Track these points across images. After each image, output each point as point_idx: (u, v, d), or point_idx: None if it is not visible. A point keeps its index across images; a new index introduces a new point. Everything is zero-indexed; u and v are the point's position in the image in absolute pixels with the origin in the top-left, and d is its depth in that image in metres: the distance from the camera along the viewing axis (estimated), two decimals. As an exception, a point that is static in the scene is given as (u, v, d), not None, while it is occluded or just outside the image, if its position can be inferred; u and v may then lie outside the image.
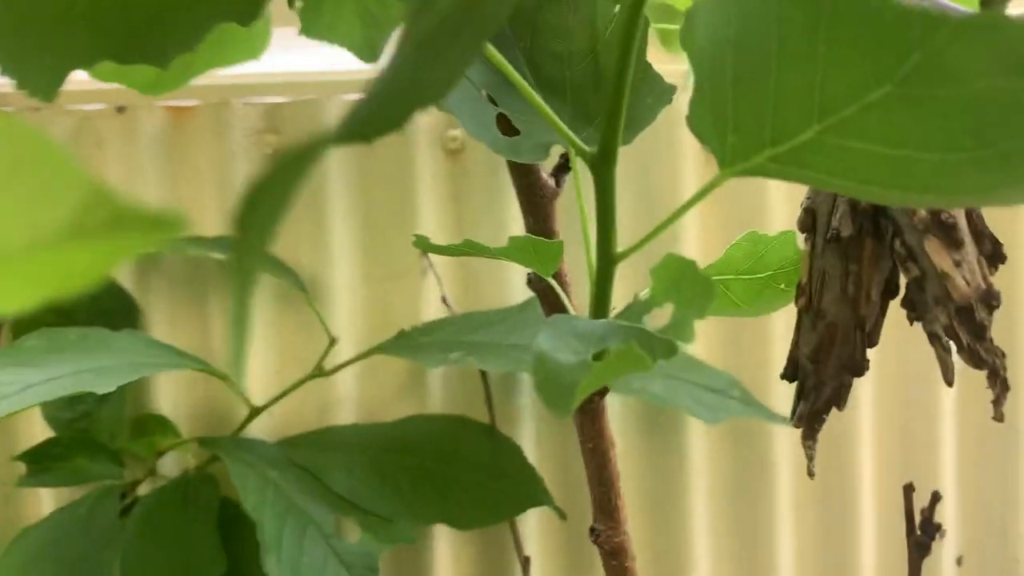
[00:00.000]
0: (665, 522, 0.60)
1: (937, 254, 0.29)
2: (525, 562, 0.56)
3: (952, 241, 0.29)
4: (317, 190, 0.57)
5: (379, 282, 0.58)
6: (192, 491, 0.51)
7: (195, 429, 0.57)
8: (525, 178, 0.34)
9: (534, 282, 0.35)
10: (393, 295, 0.58)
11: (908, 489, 0.31)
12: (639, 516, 0.59)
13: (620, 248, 0.29)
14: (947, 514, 0.64)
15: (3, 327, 0.56)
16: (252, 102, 0.57)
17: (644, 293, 0.29)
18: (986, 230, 0.30)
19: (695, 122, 0.23)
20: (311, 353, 0.57)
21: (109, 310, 0.56)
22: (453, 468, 0.54)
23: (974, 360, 0.30)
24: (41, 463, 0.53)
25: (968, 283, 0.29)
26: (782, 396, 0.58)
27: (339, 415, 0.58)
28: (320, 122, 0.57)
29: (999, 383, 0.30)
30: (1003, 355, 0.30)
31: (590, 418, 0.36)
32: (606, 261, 0.29)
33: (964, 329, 0.29)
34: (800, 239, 0.34)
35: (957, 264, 0.29)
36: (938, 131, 0.18)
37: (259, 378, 0.57)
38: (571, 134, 0.28)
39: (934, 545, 0.64)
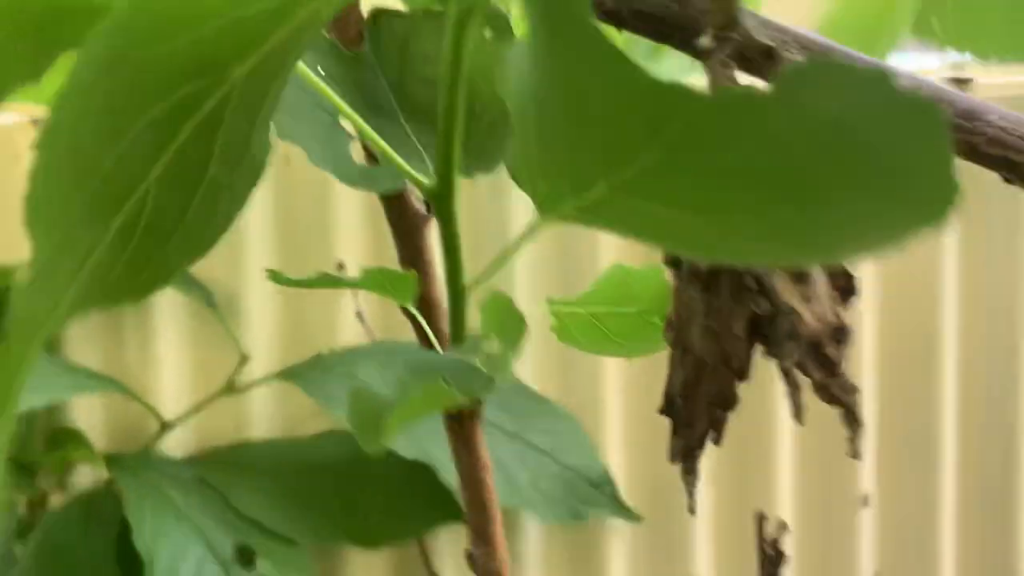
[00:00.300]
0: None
1: (785, 289, 0.29)
2: (435, 581, 0.55)
3: (799, 276, 0.29)
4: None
5: (294, 298, 0.58)
6: (96, 507, 0.50)
7: (110, 443, 0.56)
8: (393, 206, 0.34)
9: (406, 309, 0.35)
10: (308, 311, 0.58)
11: (760, 518, 0.31)
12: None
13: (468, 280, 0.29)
14: (865, 529, 0.64)
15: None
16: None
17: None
18: (838, 265, 0.30)
19: (514, 167, 0.23)
20: (227, 370, 0.57)
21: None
22: (363, 486, 0.54)
23: (826, 396, 0.29)
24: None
25: (818, 318, 0.29)
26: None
27: (255, 431, 0.58)
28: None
29: (853, 422, 0.30)
30: (856, 391, 0.30)
31: (463, 443, 0.36)
32: (455, 292, 0.29)
33: (815, 365, 0.29)
34: (668, 272, 0.34)
35: (806, 299, 0.29)
36: (708, 195, 0.18)
37: (173, 394, 0.57)
38: (405, 165, 0.27)
39: (853, 561, 0.65)
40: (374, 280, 0.30)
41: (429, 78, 0.34)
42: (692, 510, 0.35)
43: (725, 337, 0.33)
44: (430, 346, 0.35)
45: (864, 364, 0.64)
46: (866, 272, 0.63)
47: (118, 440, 0.56)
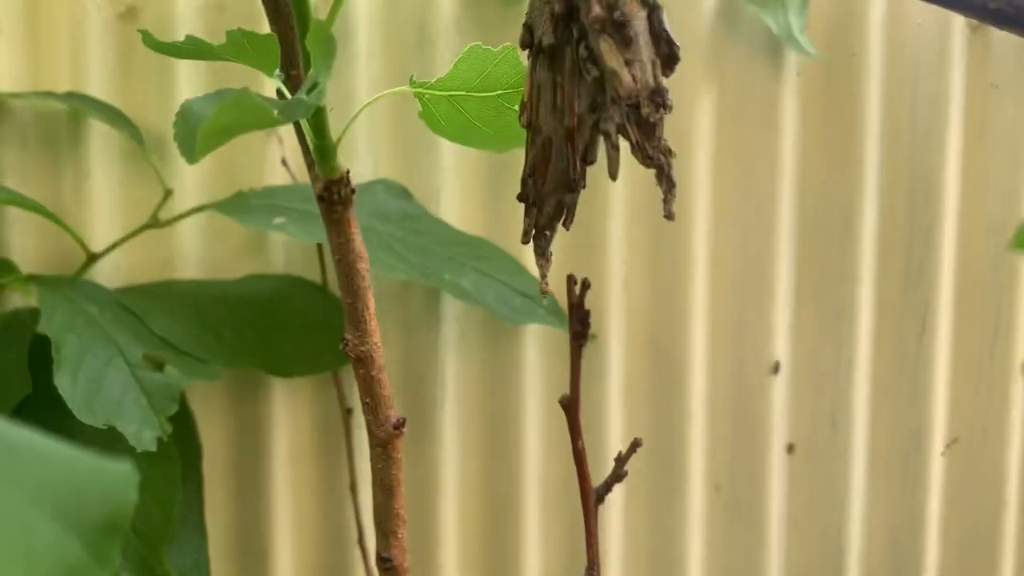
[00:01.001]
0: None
1: (609, 53, 0.30)
2: (347, 413, 0.58)
3: (623, 39, 0.30)
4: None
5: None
6: (16, 324, 0.53)
7: (38, 271, 0.59)
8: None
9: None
10: (237, 155, 0.59)
11: (571, 281, 0.32)
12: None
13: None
14: (778, 401, 0.66)
15: None
16: (99, -46, 0.57)
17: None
18: (664, 33, 0.31)
19: None
20: (153, 207, 0.59)
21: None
22: (281, 321, 0.56)
23: (643, 157, 0.31)
24: None
25: (637, 80, 0.30)
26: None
27: (182, 271, 0.60)
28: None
29: (665, 180, 0.31)
30: (671, 153, 0.31)
31: (336, 227, 0.37)
32: (303, 28, 0.31)
33: (634, 127, 0.31)
34: (523, 56, 0.35)
35: (628, 63, 0.30)
36: None
37: (101, 228, 0.59)
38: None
39: (767, 434, 0.66)
40: (237, 45, 0.32)
41: None
42: (544, 292, 0.36)
43: (568, 113, 0.34)
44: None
45: (782, 232, 0.65)
46: (785, 140, 0.64)
47: (46, 270, 0.59)
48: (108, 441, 0.47)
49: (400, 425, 0.40)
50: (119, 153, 0.59)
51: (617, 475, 0.33)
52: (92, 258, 0.56)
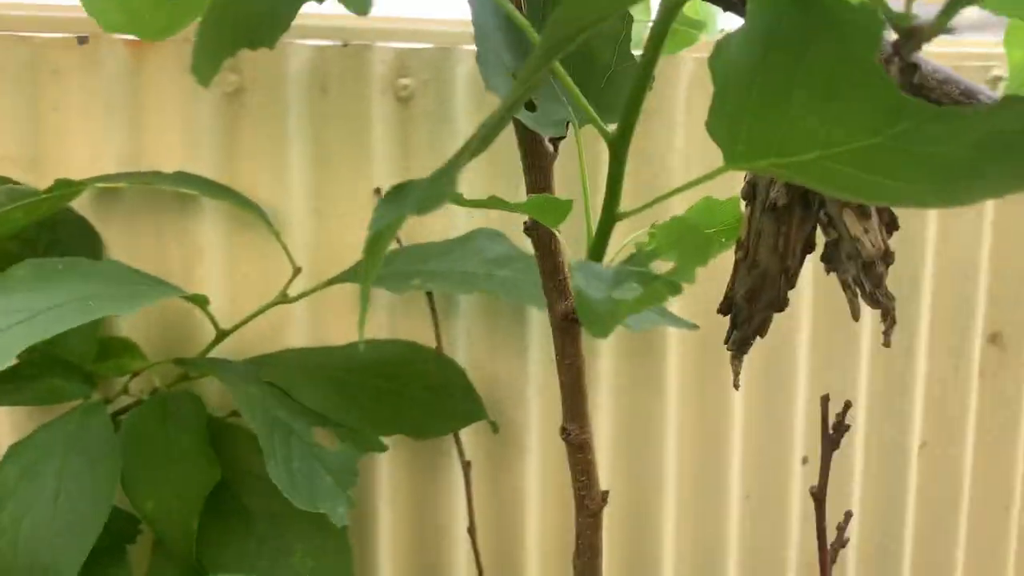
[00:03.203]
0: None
1: (851, 222, 0.39)
2: (466, 466, 0.64)
3: (863, 213, 0.39)
4: (278, 132, 0.61)
5: (332, 218, 0.63)
6: (172, 407, 0.56)
7: (156, 352, 0.61)
8: (531, 143, 0.41)
9: (531, 228, 0.43)
10: (345, 230, 0.63)
11: (824, 400, 0.41)
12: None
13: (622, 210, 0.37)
14: (798, 421, 0.77)
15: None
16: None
17: (645, 245, 0.37)
18: (886, 206, 0.40)
19: (712, 127, 0.31)
20: (268, 282, 0.62)
21: (70, 239, 0.59)
22: (405, 384, 0.61)
23: (873, 302, 0.40)
24: (12, 383, 0.56)
25: (873, 245, 0.39)
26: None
27: (293, 338, 0.63)
28: (280, 65, 0.61)
29: (889, 319, 0.40)
30: (893, 299, 0.40)
31: (570, 339, 0.44)
32: (609, 219, 0.37)
33: (868, 279, 0.39)
34: (742, 205, 0.43)
35: (866, 231, 0.39)
36: (907, 170, 0.27)
37: (218, 305, 0.62)
38: (598, 119, 0.35)
39: (784, 447, 0.78)
40: (536, 205, 0.38)
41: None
42: (736, 386, 0.45)
43: (787, 255, 0.42)
44: (552, 261, 0.43)
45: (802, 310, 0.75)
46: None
47: (163, 351, 0.61)
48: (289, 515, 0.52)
49: (606, 497, 0.48)
50: (227, 231, 0.62)
51: (840, 542, 0.42)
52: (222, 335, 0.59)
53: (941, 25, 0.27)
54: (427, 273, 0.59)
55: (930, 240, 0.79)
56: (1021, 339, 0.83)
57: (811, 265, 0.75)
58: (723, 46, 0.30)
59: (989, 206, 0.80)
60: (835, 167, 0.28)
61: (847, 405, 0.41)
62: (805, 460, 0.78)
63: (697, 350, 0.72)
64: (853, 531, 0.80)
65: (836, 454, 0.79)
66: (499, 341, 0.67)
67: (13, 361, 0.57)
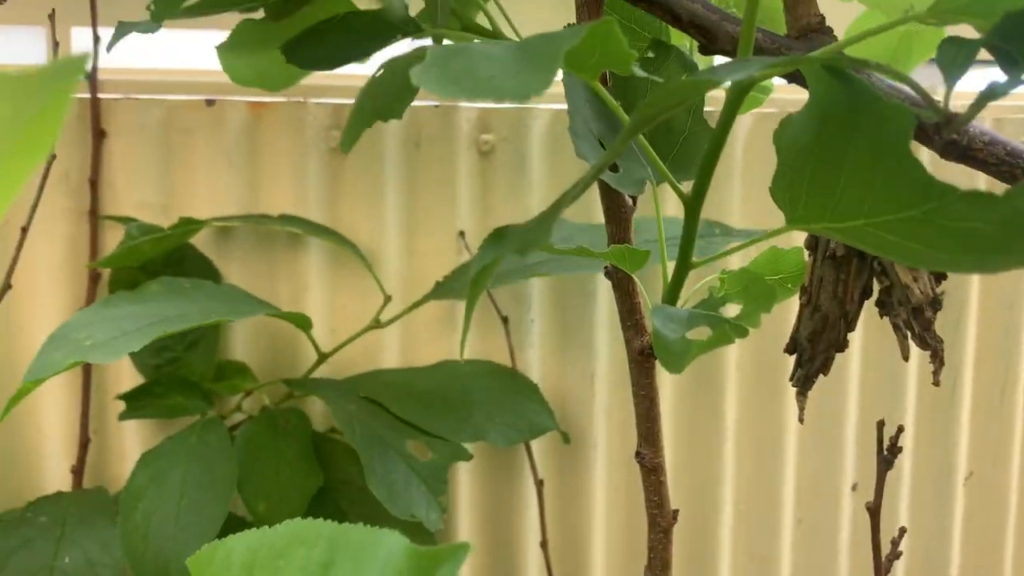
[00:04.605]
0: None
1: (902, 271, 0.44)
2: (539, 484, 0.69)
3: (913, 264, 0.43)
4: (376, 181, 0.68)
5: (420, 256, 0.69)
6: (282, 422, 0.62)
7: (265, 374, 0.68)
8: (612, 199, 0.47)
9: (610, 273, 0.48)
10: (431, 266, 0.70)
11: (880, 424, 0.45)
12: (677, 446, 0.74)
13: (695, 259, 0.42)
14: (849, 450, 0.81)
15: (100, 278, 0.65)
16: (323, 102, 0.67)
17: (716, 291, 0.42)
18: (933, 257, 0.44)
19: (775, 192, 0.37)
20: (363, 311, 0.68)
21: (192, 271, 0.66)
22: (485, 399, 0.66)
23: (922, 344, 0.44)
24: (141, 400, 0.63)
25: (922, 292, 0.44)
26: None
27: (386, 360, 0.70)
28: (378, 124, 0.68)
29: (937, 360, 0.44)
30: (941, 341, 0.44)
31: (645, 372, 0.49)
32: (683, 268, 0.42)
33: (917, 323, 0.44)
34: (805, 254, 0.48)
35: (915, 279, 0.44)
36: (940, 240, 0.32)
37: (320, 331, 0.68)
38: (674, 180, 0.40)
39: (835, 474, 0.82)
40: (618, 254, 0.43)
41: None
42: (801, 420, 0.50)
43: (847, 301, 0.47)
44: (629, 303, 0.49)
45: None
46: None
47: (268, 372, 0.68)
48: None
49: (676, 516, 0.53)
50: (329, 267, 0.68)
51: (894, 554, 0.46)
52: (323, 358, 0.66)
53: (971, 116, 0.32)
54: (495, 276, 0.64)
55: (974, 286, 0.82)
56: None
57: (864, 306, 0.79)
58: (787, 124, 0.35)
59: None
60: (879, 234, 0.33)
61: (900, 429, 0.46)
62: (855, 487, 0.82)
63: (753, 382, 0.77)
64: (902, 556, 0.84)
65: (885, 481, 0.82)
66: (568, 367, 0.72)
67: (141, 379, 0.64)
